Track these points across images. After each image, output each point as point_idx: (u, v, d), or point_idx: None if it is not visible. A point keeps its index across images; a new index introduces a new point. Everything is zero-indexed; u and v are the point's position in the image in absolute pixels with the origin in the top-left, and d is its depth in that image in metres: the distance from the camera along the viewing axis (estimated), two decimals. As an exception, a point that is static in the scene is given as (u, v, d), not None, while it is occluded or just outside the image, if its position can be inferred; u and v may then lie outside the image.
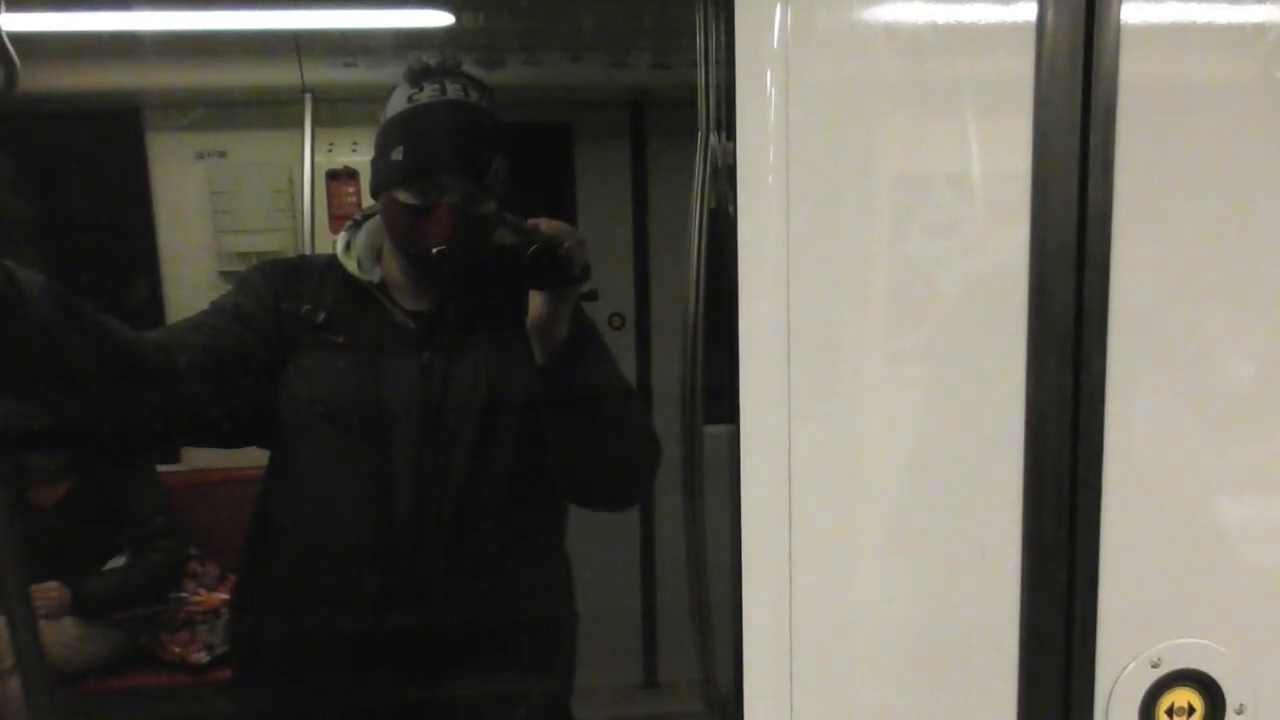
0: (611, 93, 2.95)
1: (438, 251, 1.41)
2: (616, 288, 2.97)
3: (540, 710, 1.61)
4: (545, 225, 1.39)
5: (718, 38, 0.94)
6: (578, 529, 1.59)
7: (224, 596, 2.69)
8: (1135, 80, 0.78)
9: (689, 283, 1.36)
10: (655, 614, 2.94)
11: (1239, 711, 0.85)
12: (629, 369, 2.86)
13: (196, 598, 2.70)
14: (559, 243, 1.37)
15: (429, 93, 1.44)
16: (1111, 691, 0.85)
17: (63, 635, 2.51)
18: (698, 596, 1.11)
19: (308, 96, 2.64)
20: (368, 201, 1.56)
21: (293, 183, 2.71)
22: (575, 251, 1.38)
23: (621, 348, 2.97)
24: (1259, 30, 0.79)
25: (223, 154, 2.74)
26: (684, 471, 1.36)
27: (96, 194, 2.56)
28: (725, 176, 0.90)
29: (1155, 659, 0.85)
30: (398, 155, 1.43)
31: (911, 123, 0.80)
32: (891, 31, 0.78)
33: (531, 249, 1.37)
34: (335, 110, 2.67)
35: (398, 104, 1.46)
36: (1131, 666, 0.85)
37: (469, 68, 1.49)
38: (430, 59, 1.46)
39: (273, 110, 2.74)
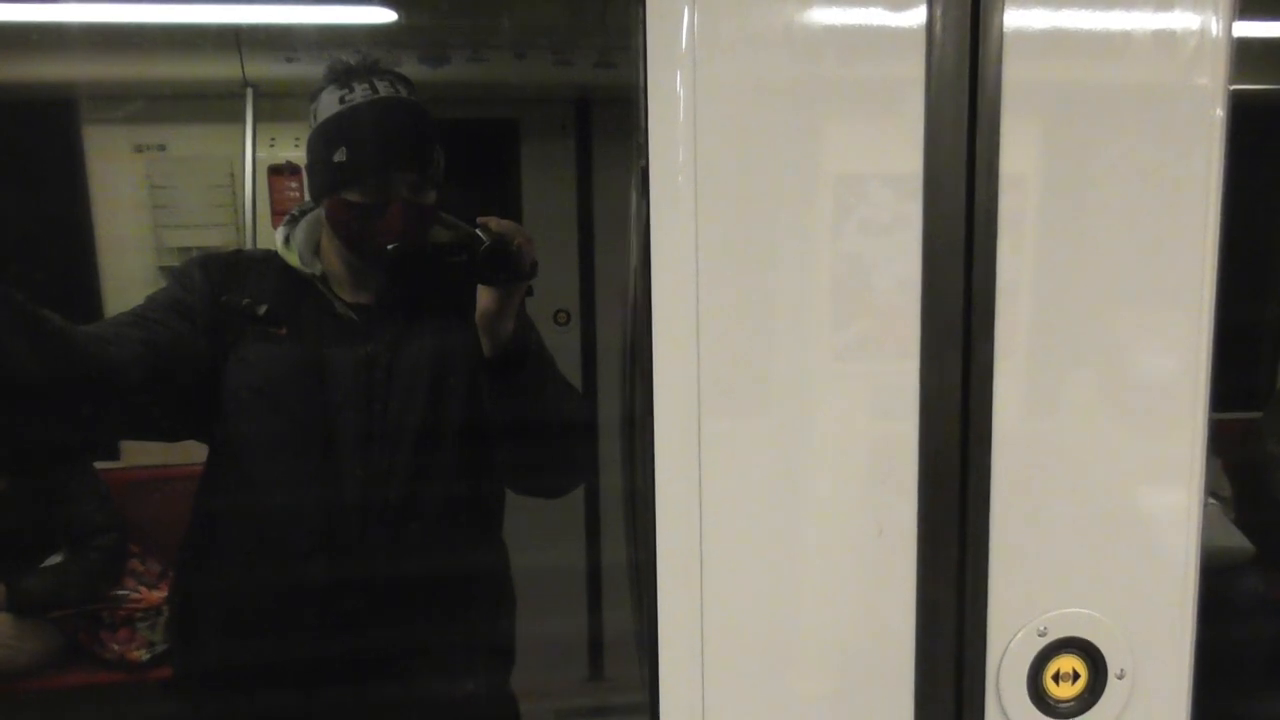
0: (557, 90, 2.96)
1: (393, 249, 1.42)
2: (562, 284, 2.98)
3: (483, 690, 1.63)
4: (494, 222, 1.41)
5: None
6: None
7: (165, 594, 2.66)
8: (1018, 84, 0.82)
9: (628, 278, 1.39)
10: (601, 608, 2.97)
11: (1120, 676, 0.90)
12: (574, 363, 2.88)
13: (137, 595, 2.67)
14: (510, 239, 1.39)
15: (360, 92, 1.45)
16: (1002, 659, 0.90)
17: (-2, 634, 2.48)
18: (632, 557, 1.16)
19: (249, 91, 2.62)
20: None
21: (234, 177, 2.68)
22: (526, 247, 1.40)
23: (568, 343, 2.98)
24: (1136, 37, 0.84)
25: (162, 148, 2.71)
26: (623, 464, 1.39)
27: (32, 187, 2.52)
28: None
29: (1042, 628, 0.90)
30: (341, 156, 1.44)
31: (812, 125, 0.83)
32: (792, 35, 0.81)
33: (485, 245, 1.38)
34: (277, 105, 2.65)
35: (330, 106, 1.46)
36: (1020, 635, 0.90)
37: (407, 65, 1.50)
38: (350, 58, 1.47)
39: (213, 104, 2.72)
